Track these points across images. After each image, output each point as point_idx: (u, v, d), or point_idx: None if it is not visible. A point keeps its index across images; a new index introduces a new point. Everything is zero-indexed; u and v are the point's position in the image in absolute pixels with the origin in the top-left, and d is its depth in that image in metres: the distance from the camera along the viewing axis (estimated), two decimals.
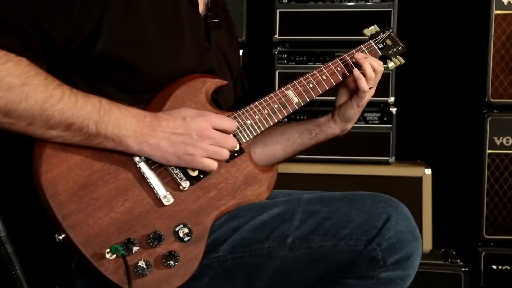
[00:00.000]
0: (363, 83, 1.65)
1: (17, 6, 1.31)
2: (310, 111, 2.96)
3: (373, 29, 1.82)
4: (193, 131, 1.38)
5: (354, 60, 1.70)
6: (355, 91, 1.68)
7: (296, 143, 1.76)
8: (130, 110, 1.36)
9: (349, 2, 3.09)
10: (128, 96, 1.43)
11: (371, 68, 1.67)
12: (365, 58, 1.68)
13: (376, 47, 1.79)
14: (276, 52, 3.14)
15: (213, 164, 1.42)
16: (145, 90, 1.47)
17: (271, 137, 1.75)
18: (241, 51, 3.11)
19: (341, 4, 3.09)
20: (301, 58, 3.14)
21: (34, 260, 1.41)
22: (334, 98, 1.76)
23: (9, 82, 1.23)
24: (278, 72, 3.14)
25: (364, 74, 1.66)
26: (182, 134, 1.38)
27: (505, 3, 3.00)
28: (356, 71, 1.67)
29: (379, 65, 1.69)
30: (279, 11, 3.12)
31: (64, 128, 1.29)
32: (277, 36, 3.14)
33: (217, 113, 1.50)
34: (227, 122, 1.46)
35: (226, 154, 1.44)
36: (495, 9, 3.01)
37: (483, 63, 3.06)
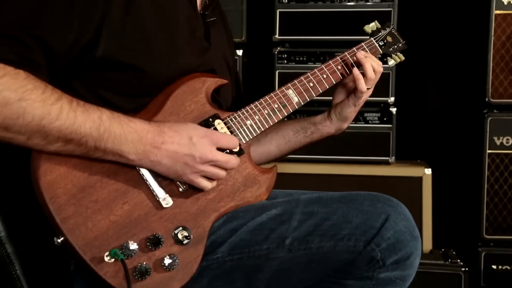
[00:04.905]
0: (361, 83, 1.63)
1: (16, 17, 1.29)
2: (309, 111, 2.93)
3: (374, 25, 1.79)
4: (197, 153, 1.37)
5: (355, 59, 1.68)
6: (353, 91, 1.67)
7: (291, 141, 1.77)
8: (132, 125, 1.33)
9: (349, 2, 3.08)
10: (129, 100, 1.43)
11: (371, 68, 1.65)
12: (366, 57, 1.66)
13: (377, 45, 1.76)
14: (276, 52, 3.14)
15: (209, 185, 1.42)
16: (147, 92, 1.46)
17: (265, 135, 1.74)
18: (241, 51, 3.12)
19: (341, 4, 3.08)
20: (301, 58, 3.14)
21: (33, 261, 1.41)
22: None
23: (6, 97, 1.21)
24: (278, 72, 3.13)
25: (364, 74, 1.65)
26: (186, 154, 1.36)
27: (505, 3, 3.00)
28: (355, 71, 1.65)
29: (378, 65, 1.68)
30: (279, 11, 3.11)
31: (63, 144, 1.28)
32: (277, 36, 3.13)
33: (216, 113, 1.50)
34: (232, 143, 1.45)
35: (223, 174, 1.43)
36: (495, 9, 3.00)
37: (483, 63, 3.06)
